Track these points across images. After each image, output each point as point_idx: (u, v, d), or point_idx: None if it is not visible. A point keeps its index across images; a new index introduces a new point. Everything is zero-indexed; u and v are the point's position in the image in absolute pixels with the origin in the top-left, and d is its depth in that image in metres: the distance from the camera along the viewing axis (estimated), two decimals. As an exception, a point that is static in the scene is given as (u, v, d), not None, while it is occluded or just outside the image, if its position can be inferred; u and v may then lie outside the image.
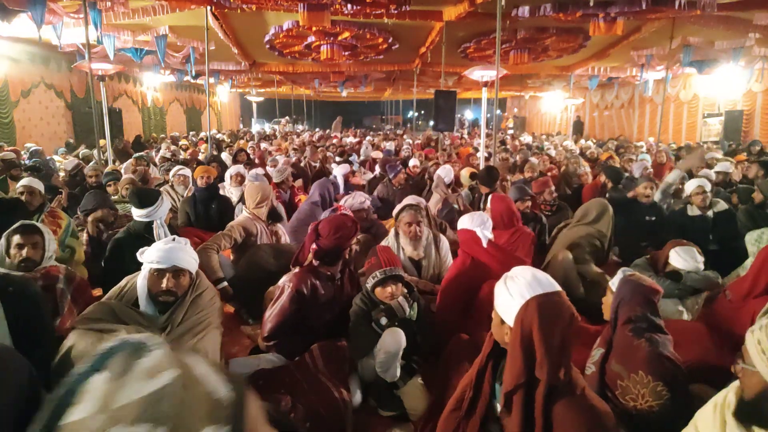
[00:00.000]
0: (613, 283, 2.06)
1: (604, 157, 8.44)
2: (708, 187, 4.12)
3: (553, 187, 4.66)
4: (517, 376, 1.37)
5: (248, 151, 9.27)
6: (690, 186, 4.20)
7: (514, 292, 1.42)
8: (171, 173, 5.38)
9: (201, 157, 8.84)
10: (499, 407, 1.55)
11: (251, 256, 3.27)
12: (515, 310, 1.40)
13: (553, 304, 1.38)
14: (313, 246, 2.42)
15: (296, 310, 2.37)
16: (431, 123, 8.04)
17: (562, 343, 1.35)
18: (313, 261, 2.46)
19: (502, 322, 1.46)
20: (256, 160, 8.26)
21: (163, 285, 2.08)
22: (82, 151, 9.17)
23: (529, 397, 1.37)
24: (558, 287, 1.44)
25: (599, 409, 1.35)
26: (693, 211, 4.14)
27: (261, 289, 2.99)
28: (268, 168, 6.55)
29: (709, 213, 4.06)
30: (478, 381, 1.57)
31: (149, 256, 2.09)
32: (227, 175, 5.50)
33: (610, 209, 3.69)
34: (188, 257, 2.15)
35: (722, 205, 4.10)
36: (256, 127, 23.03)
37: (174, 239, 2.20)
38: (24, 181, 3.61)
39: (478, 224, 2.71)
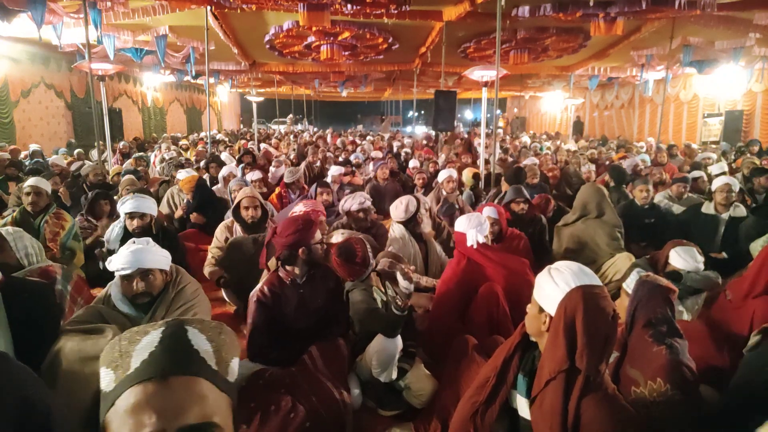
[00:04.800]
0: (628, 285, 2.04)
1: (616, 158, 8.46)
2: (736, 187, 4.00)
3: (552, 204, 4.64)
4: (559, 362, 1.37)
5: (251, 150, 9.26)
6: (716, 183, 4.08)
7: (559, 280, 1.44)
8: (178, 175, 5.10)
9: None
10: (518, 398, 1.56)
11: (233, 242, 3.41)
12: (559, 298, 1.41)
13: (597, 297, 1.39)
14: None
15: (266, 320, 2.32)
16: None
17: (606, 338, 1.36)
18: (279, 264, 2.44)
19: (541, 311, 1.48)
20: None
21: (134, 288, 2.10)
22: (76, 151, 9.17)
23: (566, 388, 1.37)
24: (601, 283, 1.45)
25: (628, 412, 1.36)
26: (708, 209, 4.07)
27: (242, 273, 3.11)
28: (271, 168, 6.52)
29: (725, 215, 3.98)
30: (503, 369, 1.58)
31: (115, 264, 2.10)
32: (220, 176, 5.48)
33: (604, 191, 3.69)
34: (153, 256, 2.14)
35: (741, 210, 4.00)
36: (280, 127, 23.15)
37: (134, 241, 2.18)
38: (31, 182, 3.58)
39: (474, 225, 2.70)
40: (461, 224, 2.76)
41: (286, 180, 5.37)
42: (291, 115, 24.08)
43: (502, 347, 1.66)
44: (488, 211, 3.38)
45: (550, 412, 1.39)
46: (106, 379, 0.68)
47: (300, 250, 2.34)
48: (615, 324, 1.39)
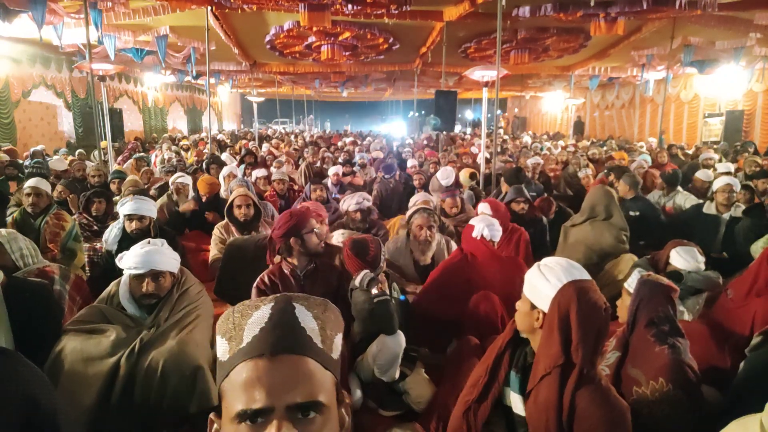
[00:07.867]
0: (629, 284, 2.04)
1: (617, 156, 8.44)
2: (737, 187, 4.01)
3: (554, 205, 4.62)
4: (555, 357, 1.39)
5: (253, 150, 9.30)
6: (718, 183, 4.07)
7: (551, 276, 1.44)
8: (171, 180, 5.06)
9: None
10: (512, 394, 1.57)
11: (232, 243, 3.39)
12: (551, 294, 1.42)
13: (589, 291, 1.41)
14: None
15: None
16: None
17: (599, 331, 1.37)
18: (279, 257, 2.50)
19: (533, 308, 1.48)
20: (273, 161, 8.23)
21: (143, 289, 2.10)
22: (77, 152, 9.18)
23: (561, 381, 1.38)
24: (590, 277, 1.46)
25: (621, 403, 1.38)
26: (709, 209, 4.06)
27: (241, 272, 3.03)
28: (272, 169, 6.55)
29: (726, 215, 3.96)
30: (494, 367, 1.59)
31: (127, 262, 2.10)
32: (221, 177, 5.49)
33: (613, 193, 3.70)
34: (166, 258, 2.15)
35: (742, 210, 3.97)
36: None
37: (149, 242, 2.18)
38: (31, 182, 3.59)
39: (487, 223, 2.76)
40: (473, 219, 2.82)
41: (273, 178, 5.45)
42: (311, 116, 23.87)
43: (493, 345, 1.67)
44: (482, 207, 3.39)
45: (545, 406, 1.40)
46: (221, 349, 0.71)
47: (292, 240, 2.40)
48: (607, 316, 1.41)
